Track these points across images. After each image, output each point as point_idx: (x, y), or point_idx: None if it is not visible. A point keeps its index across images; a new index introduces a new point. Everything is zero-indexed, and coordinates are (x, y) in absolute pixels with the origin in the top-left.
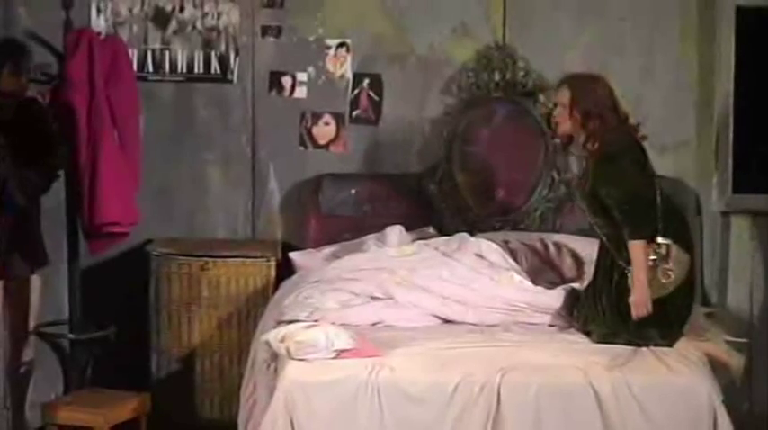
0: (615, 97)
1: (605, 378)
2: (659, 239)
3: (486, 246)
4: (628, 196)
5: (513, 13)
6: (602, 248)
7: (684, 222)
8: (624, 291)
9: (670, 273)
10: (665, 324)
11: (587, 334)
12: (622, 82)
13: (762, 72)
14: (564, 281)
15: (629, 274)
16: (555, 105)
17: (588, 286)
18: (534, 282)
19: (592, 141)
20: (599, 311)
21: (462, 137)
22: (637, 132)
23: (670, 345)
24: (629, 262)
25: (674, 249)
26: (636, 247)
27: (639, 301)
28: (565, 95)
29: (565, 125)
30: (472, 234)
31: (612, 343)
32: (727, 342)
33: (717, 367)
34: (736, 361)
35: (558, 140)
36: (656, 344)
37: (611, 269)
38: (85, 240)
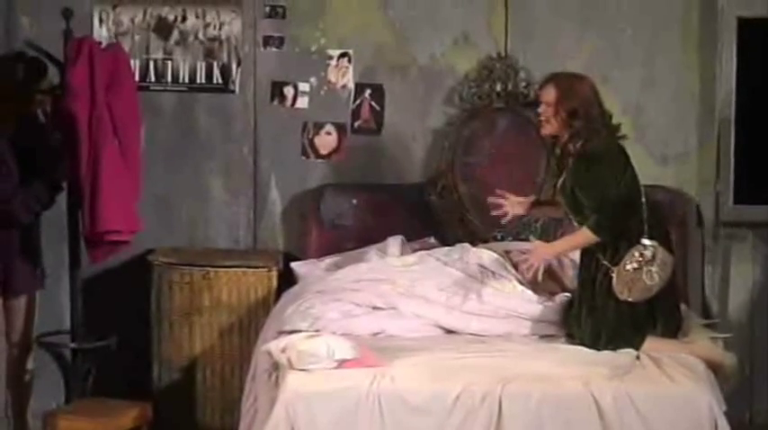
0: (599, 97)
1: (606, 388)
2: (645, 241)
3: (488, 256)
4: (597, 200)
5: (515, 24)
6: (583, 252)
7: (666, 227)
8: (608, 291)
9: (655, 275)
10: (637, 327)
11: (570, 336)
12: (624, 92)
13: (763, 83)
14: (565, 291)
15: (613, 275)
16: (539, 104)
17: (574, 291)
18: (536, 293)
19: (575, 141)
20: (581, 313)
21: (464, 147)
22: (619, 133)
23: (636, 349)
24: (613, 261)
25: (660, 251)
26: (584, 234)
27: (540, 256)
28: (551, 94)
29: (551, 124)
30: (474, 244)
31: (592, 346)
32: (712, 339)
33: (714, 370)
34: (729, 360)
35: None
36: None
37: (595, 270)
38: (86, 249)
